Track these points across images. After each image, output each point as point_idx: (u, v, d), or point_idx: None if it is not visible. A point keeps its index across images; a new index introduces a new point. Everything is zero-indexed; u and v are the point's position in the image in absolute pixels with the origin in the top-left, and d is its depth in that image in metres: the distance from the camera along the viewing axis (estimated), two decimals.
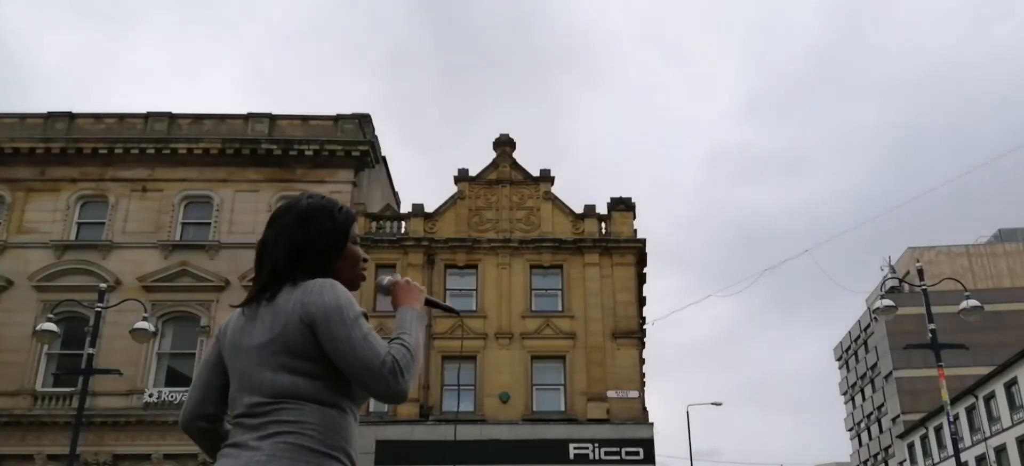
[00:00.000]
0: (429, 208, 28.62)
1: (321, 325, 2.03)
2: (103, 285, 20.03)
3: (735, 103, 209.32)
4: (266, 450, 1.98)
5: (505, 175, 29.15)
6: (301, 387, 2.04)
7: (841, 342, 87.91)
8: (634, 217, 28.63)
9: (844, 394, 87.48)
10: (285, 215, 2.27)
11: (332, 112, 29.99)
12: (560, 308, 27.38)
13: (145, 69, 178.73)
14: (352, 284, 2.28)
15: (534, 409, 26.19)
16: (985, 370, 49.48)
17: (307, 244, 2.20)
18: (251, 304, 2.20)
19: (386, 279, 2.37)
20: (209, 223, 28.14)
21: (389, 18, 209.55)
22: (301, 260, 2.19)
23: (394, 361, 2.01)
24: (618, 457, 25.03)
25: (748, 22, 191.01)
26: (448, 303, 2.53)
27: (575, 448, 25.06)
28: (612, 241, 27.90)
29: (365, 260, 2.34)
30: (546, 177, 29.08)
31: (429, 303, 2.40)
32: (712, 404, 46.81)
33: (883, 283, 72.00)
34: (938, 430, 54.88)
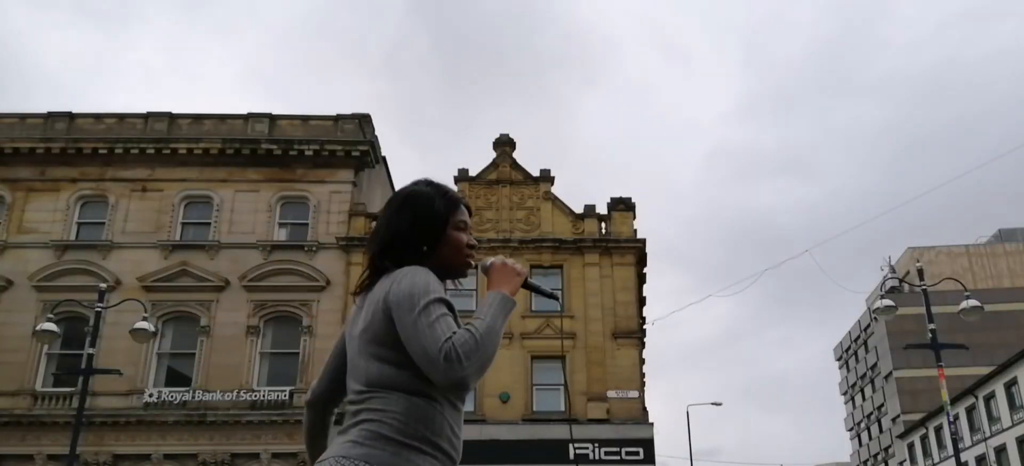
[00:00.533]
0: None
1: (395, 312, 2.01)
2: (103, 285, 20.03)
3: (735, 102, 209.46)
4: (351, 436, 2.00)
5: (505, 175, 29.16)
6: (388, 375, 2.03)
7: (841, 342, 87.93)
8: (634, 217, 28.64)
9: (844, 394, 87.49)
10: (391, 202, 2.28)
11: (331, 112, 30.00)
12: (560, 308, 27.38)
13: (145, 68, 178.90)
14: (458, 271, 2.27)
15: (534, 409, 26.19)
16: (985, 370, 49.49)
17: (403, 231, 2.19)
18: (361, 293, 2.20)
19: (487, 260, 2.29)
20: (209, 223, 28.14)
21: (388, 17, 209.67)
22: (396, 247, 2.18)
23: (452, 347, 1.92)
24: (618, 457, 25.03)
25: (748, 22, 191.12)
26: (550, 289, 2.42)
27: (575, 448, 25.06)
28: (612, 241, 27.91)
29: (471, 246, 2.29)
30: (546, 177, 29.08)
31: (528, 286, 2.33)
32: (712, 404, 46.83)
33: (883, 283, 71.99)
34: (938, 430, 54.88)
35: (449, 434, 2.09)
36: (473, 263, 2.30)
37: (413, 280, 2.04)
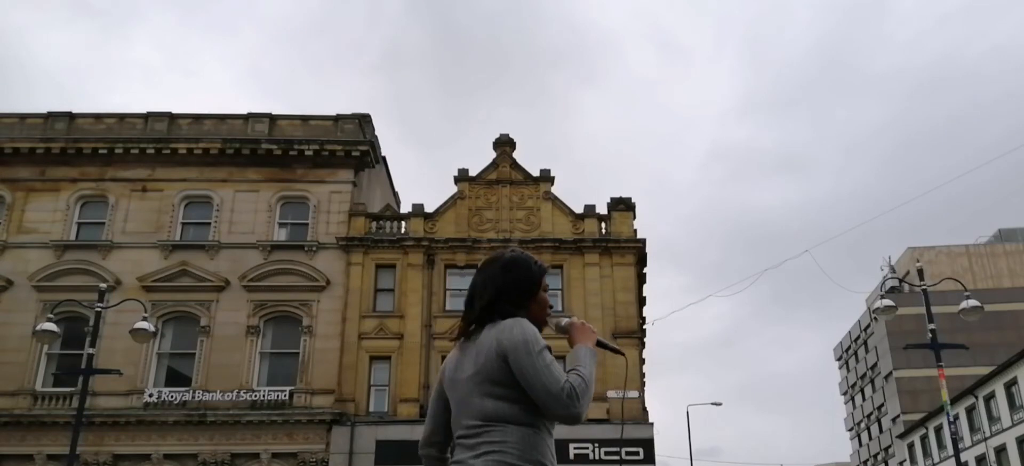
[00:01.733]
0: (429, 208, 28.63)
1: (512, 356, 2.43)
2: (103, 285, 20.02)
3: (734, 101, 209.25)
4: (486, 462, 2.38)
5: (505, 175, 29.16)
6: (503, 411, 2.44)
7: (841, 342, 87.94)
8: (634, 217, 28.63)
9: (844, 394, 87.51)
10: (493, 265, 2.70)
11: (330, 111, 30.04)
12: (560, 308, 27.37)
13: (143, 67, 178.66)
14: (539, 324, 2.68)
15: None
16: (985, 370, 49.49)
17: (508, 289, 2.64)
18: (462, 340, 2.63)
19: (564, 321, 2.74)
20: (209, 223, 28.14)
21: (386, 15, 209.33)
22: (502, 302, 2.61)
23: (571, 388, 2.39)
24: (618, 457, 25.03)
25: (747, 19, 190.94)
26: (616, 345, 3.01)
27: (575, 448, 25.06)
28: (612, 241, 27.91)
29: (551, 306, 2.77)
30: (546, 177, 29.08)
31: (599, 344, 2.75)
32: (712, 404, 46.84)
33: (883, 283, 72.03)
34: (938, 430, 54.89)
35: (551, 457, 2.53)
36: (548, 320, 2.75)
37: (524, 330, 2.48)
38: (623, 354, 2.97)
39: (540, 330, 2.62)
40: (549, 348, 2.47)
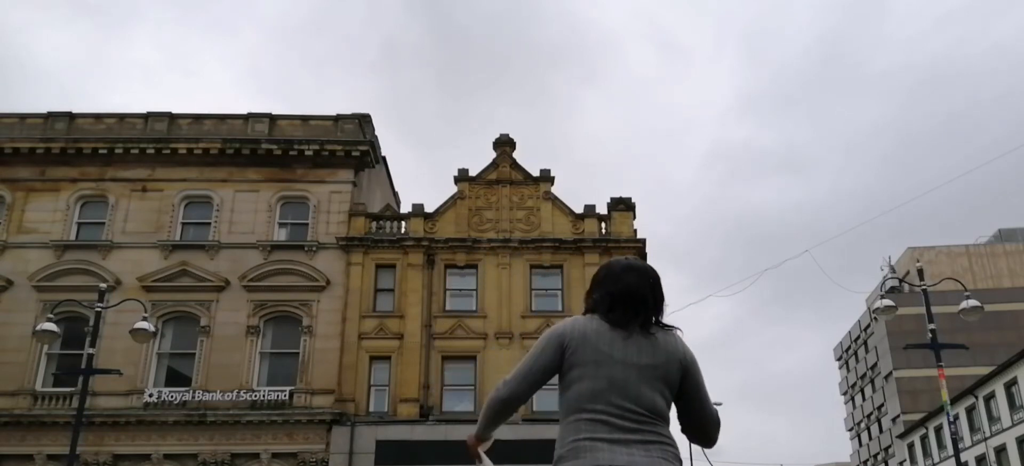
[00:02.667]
0: (429, 208, 28.64)
1: (693, 371, 2.65)
2: (103, 285, 20.04)
3: (734, 100, 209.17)
4: (659, 455, 2.48)
5: (505, 175, 29.16)
6: (666, 411, 2.59)
7: (841, 342, 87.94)
8: (634, 217, 28.64)
9: (844, 394, 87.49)
10: (647, 271, 2.81)
11: (329, 110, 30.07)
12: (560, 308, 27.37)
13: (142, 65, 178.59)
14: None
15: (534, 409, 26.18)
16: (985, 370, 49.49)
17: (662, 301, 2.79)
18: (620, 325, 2.65)
19: None
20: (209, 223, 28.14)
21: (384, 14, 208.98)
22: (661, 311, 2.75)
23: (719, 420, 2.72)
24: None
25: (747, 18, 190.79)
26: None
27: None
28: (612, 241, 27.91)
29: None
30: (546, 177, 29.08)
31: None
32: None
33: (883, 283, 72.03)
34: (938, 430, 54.89)
35: None
36: None
37: (692, 351, 2.72)
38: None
39: None
40: None
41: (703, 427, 2.67)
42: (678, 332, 2.72)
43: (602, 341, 2.61)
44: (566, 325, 2.72)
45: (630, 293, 2.69)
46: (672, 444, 2.53)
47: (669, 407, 2.60)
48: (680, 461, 2.53)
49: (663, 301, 2.77)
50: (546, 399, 26.55)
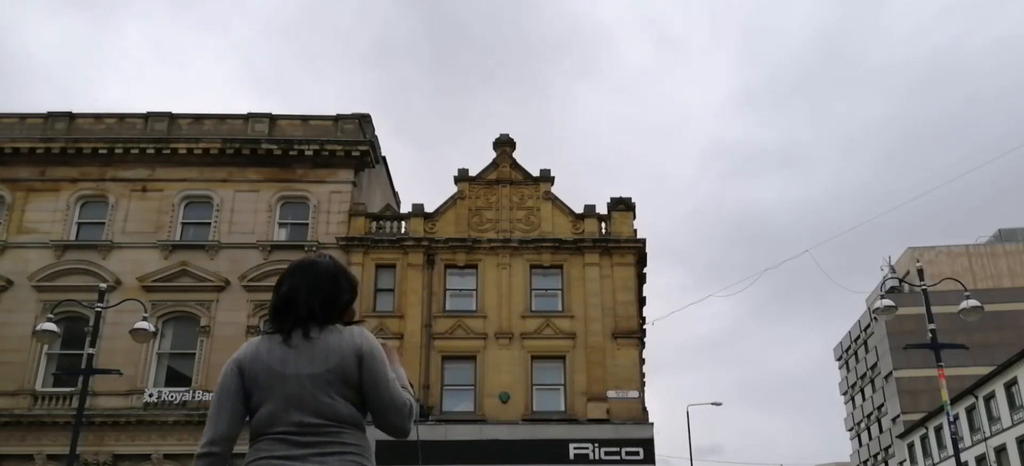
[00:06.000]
0: (429, 208, 28.65)
1: (368, 361, 2.50)
2: (103, 285, 20.05)
3: (732, 95, 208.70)
4: (333, 464, 2.41)
5: (505, 175, 29.17)
6: (352, 414, 2.48)
7: (841, 342, 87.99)
8: (634, 217, 28.65)
9: (844, 394, 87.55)
10: (312, 268, 2.69)
11: (322, 106, 30.27)
12: (560, 308, 27.39)
13: (133, 60, 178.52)
14: None
15: (534, 409, 26.20)
16: (985, 370, 49.51)
17: (343, 297, 2.67)
18: (281, 336, 2.56)
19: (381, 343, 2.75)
20: (209, 223, 28.15)
21: (376, 6, 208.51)
22: (337, 308, 2.64)
23: (413, 407, 2.52)
24: (618, 457, 25.04)
25: (744, 10, 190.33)
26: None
27: (575, 448, 25.06)
28: (612, 241, 27.92)
29: (360, 320, 2.79)
30: (546, 177, 29.10)
31: None
32: (712, 404, 46.91)
33: (883, 283, 72.07)
34: (938, 430, 54.91)
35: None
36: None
37: (374, 340, 2.56)
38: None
39: None
40: None
41: (383, 414, 2.49)
42: (356, 326, 2.60)
43: (273, 359, 2.53)
44: (242, 350, 2.64)
45: (284, 301, 2.61)
46: (355, 450, 2.45)
47: (359, 407, 2.50)
48: (370, 463, 2.49)
49: (335, 299, 2.63)
50: (546, 399, 26.61)
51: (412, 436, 2.51)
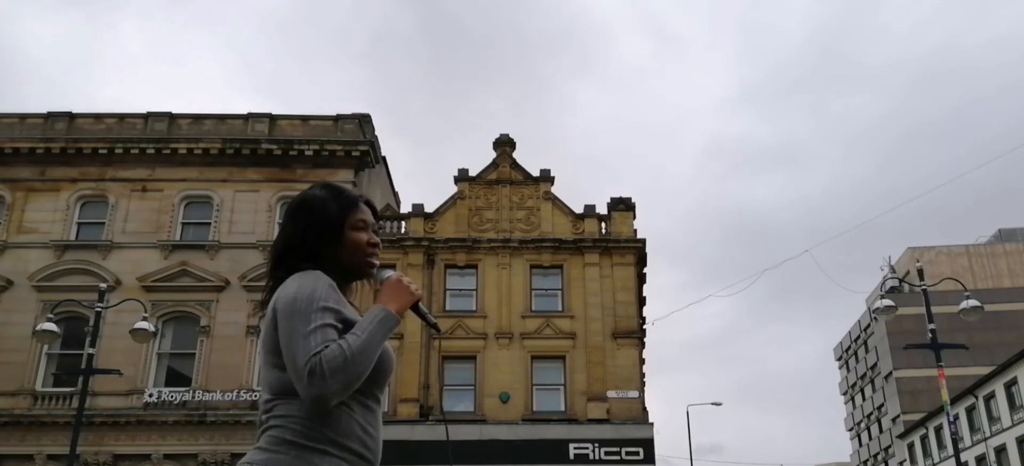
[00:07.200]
0: (429, 208, 28.66)
1: (279, 321, 2.01)
2: (103, 285, 20.03)
3: (730, 92, 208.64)
4: (259, 443, 2.04)
5: (505, 175, 29.18)
6: (288, 382, 1.99)
7: (841, 342, 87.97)
8: (634, 217, 28.66)
9: (844, 394, 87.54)
10: (287, 211, 2.30)
11: (320, 104, 30.47)
12: (560, 308, 27.39)
13: (130, 57, 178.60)
14: (361, 272, 2.26)
15: (534, 409, 26.20)
16: (985, 370, 49.50)
17: (296, 238, 2.20)
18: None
19: (384, 273, 2.29)
20: (209, 223, 28.16)
21: (374, 5, 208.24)
22: (292, 255, 2.18)
23: (319, 361, 1.89)
24: (618, 457, 25.04)
25: (743, 6, 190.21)
26: (434, 319, 2.42)
27: (575, 448, 25.07)
28: (612, 241, 27.92)
29: (373, 245, 2.27)
30: (546, 177, 29.11)
31: (416, 311, 2.30)
32: (712, 404, 46.93)
33: (883, 283, 72.06)
34: (938, 430, 54.90)
35: (359, 434, 2.05)
36: (376, 262, 2.27)
37: (299, 285, 2.04)
38: (439, 331, 2.54)
39: (366, 277, 2.25)
40: (329, 308, 2.01)
41: (293, 381, 1.96)
42: (291, 277, 2.10)
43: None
44: None
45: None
46: (279, 422, 2.00)
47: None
48: (283, 440, 1.98)
49: (295, 242, 2.20)
50: (546, 399, 26.61)
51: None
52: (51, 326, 17.97)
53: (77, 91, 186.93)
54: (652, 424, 26.04)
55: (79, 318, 24.38)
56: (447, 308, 27.29)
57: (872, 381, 77.35)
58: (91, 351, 18.15)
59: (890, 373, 69.23)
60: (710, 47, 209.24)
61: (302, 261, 2.15)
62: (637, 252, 28.20)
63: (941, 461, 54.35)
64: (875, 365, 75.19)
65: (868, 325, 76.93)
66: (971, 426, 49.87)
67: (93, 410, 24.03)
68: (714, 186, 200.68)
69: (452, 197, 28.84)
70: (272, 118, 29.60)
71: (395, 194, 36.74)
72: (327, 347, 1.92)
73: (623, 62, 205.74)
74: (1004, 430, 46.08)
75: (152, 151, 28.56)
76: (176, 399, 25.43)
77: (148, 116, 29.50)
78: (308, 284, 2.04)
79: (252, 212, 28.19)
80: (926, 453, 58.39)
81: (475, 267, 27.79)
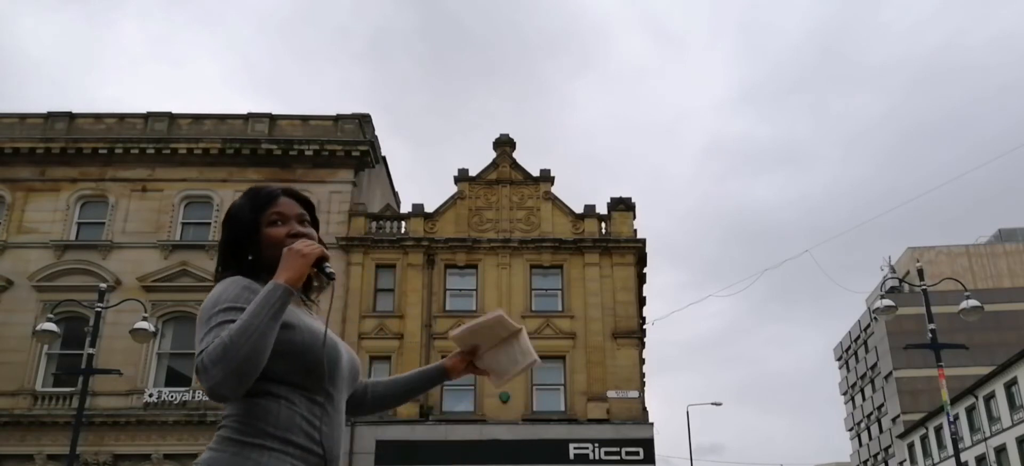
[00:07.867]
0: (429, 208, 28.66)
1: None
2: (103, 285, 20.03)
3: (730, 92, 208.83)
4: (209, 444, 2.06)
5: (505, 175, 29.18)
6: None
7: (841, 342, 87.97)
8: (634, 217, 28.66)
9: (844, 394, 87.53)
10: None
11: (319, 103, 30.44)
12: (560, 308, 27.39)
13: (130, 57, 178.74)
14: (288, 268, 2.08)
15: (534, 409, 26.20)
16: (985, 370, 49.51)
17: (224, 249, 2.24)
18: None
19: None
20: (209, 223, 28.15)
21: (374, 4, 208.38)
22: (224, 266, 2.21)
23: (203, 357, 1.88)
24: (618, 457, 25.04)
25: (742, 5, 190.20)
26: (332, 269, 2.26)
27: (575, 448, 25.07)
28: (612, 241, 27.92)
29: (293, 236, 2.19)
30: (546, 177, 29.11)
31: (318, 267, 2.18)
32: (712, 404, 46.96)
33: (883, 283, 72.05)
34: (938, 430, 54.90)
35: (304, 427, 2.04)
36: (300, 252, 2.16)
37: (215, 292, 2.06)
38: (333, 277, 2.27)
39: (295, 276, 2.04)
40: (235, 308, 1.97)
41: None
42: (229, 278, 2.11)
43: None
44: None
45: None
46: (224, 422, 2.03)
47: None
48: (226, 438, 1.99)
49: (225, 254, 2.21)
50: (546, 399, 26.60)
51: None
52: (51, 326, 17.97)
53: (77, 91, 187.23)
54: (652, 424, 26.05)
55: (79, 318, 24.38)
56: (447, 308, 27.29)
57: (872, 381, 77.35)
58: (91, 351, 18.15)
59: (890, 373, 69.23)
60: (710, 47, 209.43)
61: (227, 271, 2.19)
62: (637, 252, 28.20)
63: (941, 461, 54.34)
64: (875, 365, 75.18)
65: (868, 325, 76.93)
66: (971, 426, 49.88)
67: (93, 410, 24.03)
68: (714, 186, 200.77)
69: (452, 197, 28.84)
70: (272, 118, 29.60)
71: (395, 194, 36.74)
72: (212, 342, 1.91)
73: (623, 62, 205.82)
74: (1004, 430, 46.09)
75: (152, 151, 28.56)
76: (176, 399, 25.43)
77: (148, 116, 29.51)
78: (217, 291, 2.06)
79: None
80: (926, 453, 58.40)
81: (475, 267, 27.79)
